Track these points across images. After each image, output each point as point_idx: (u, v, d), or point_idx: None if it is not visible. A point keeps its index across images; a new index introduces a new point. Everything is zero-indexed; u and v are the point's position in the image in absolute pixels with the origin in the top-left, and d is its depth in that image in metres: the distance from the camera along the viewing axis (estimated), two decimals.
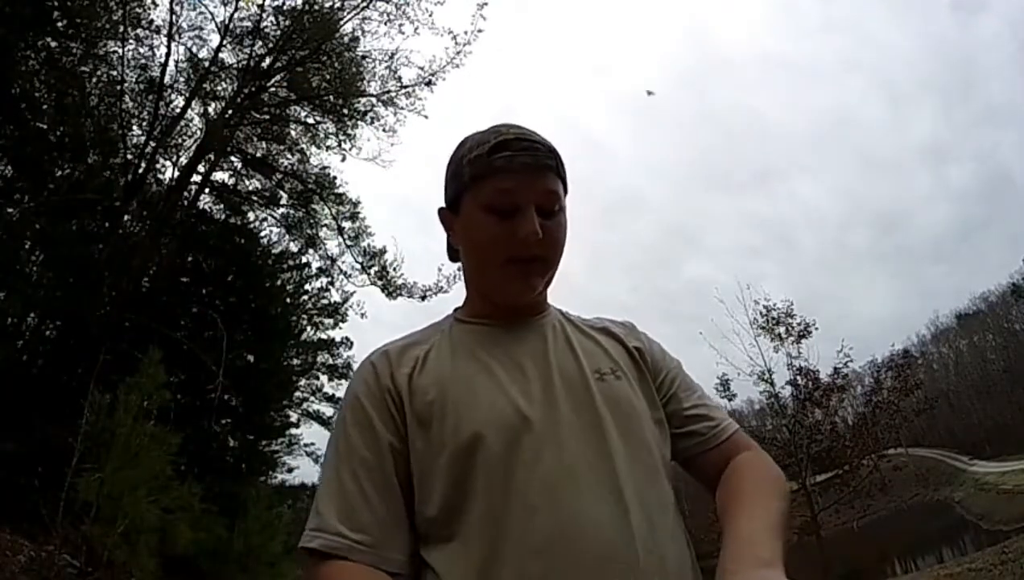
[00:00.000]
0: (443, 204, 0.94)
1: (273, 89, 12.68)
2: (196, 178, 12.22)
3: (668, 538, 0.78)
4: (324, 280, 14.48)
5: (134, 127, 11.35)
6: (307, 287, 14.85)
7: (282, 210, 13.72)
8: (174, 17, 11.18)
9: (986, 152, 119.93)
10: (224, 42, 11.87)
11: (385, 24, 12.19)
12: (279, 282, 13.97)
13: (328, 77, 12.30)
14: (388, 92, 12.60)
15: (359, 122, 12.67)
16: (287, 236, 14.02)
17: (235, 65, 12.18)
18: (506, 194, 0.84)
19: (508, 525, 0.74)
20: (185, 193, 12.12)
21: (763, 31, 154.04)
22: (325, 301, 14.87)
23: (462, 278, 0.98)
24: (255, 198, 13.58)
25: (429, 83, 12.51)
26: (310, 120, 13.00)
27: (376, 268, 13.15)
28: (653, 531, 0.76)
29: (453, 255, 0.99)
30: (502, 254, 0.86)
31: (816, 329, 12.74)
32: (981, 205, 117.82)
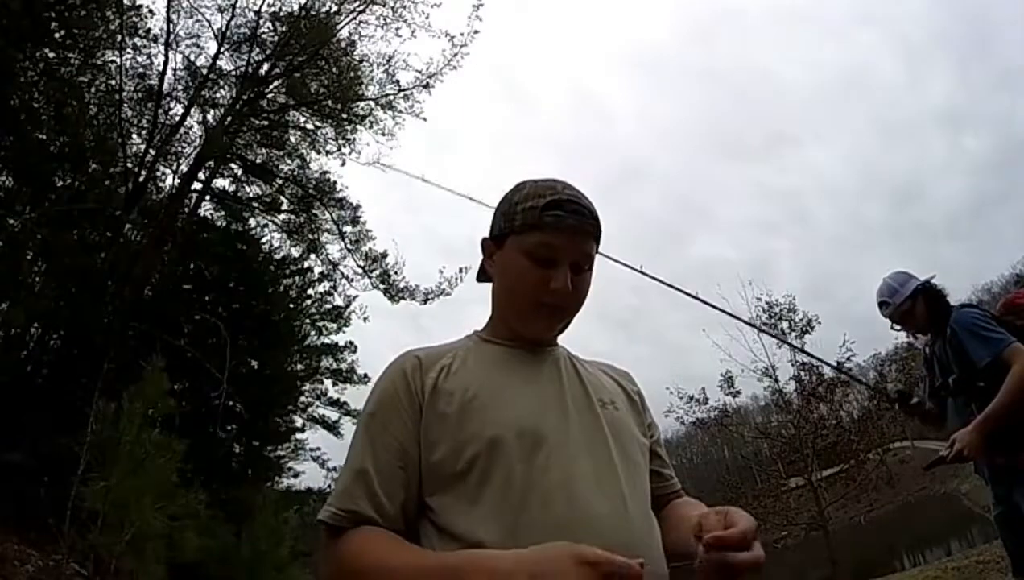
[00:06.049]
0: (487, 234, 1.07)
1: (272, 95, 12.71)
2: (197, 185, 12.28)
3: (654, 529, 0.96)
4: (326, 285, 14.53)
5: (133, 136, 11.40)
6: (309, 292, 14.87)
7: (283, 216, 13.77)
8: (171, 26, 11.24)
9: (1002, 118, 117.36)
10: (222, 49, 11.92)
11: (382, 28, 12.23)
12: (281, 287, 13.99)
13: (326, 82, 12.32)
14: (386, 96, 12.63)
15: (358, 126, 12.69)
16: (288, 241, 14.09)
17: (233, 72, 12.22)
18: (549, 248, 0.97)
19: (527, 509, 0.84)
20: (186, 201, 12.17)
21: None
22: (328, 305, 14.90)
23: (489, 300, 1.10)
24: (256, 204, 13.62)
25: (427, 85, 12.54)
26: (309, 125, 13.02)
27: (378, 272, 13.18)
28: (644, 523, 0.93)
29: (482, 276, 1.12)
30: (533, 298, 0.99)
31: (819, 323, 12.74)
32: (997, 178, 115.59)
